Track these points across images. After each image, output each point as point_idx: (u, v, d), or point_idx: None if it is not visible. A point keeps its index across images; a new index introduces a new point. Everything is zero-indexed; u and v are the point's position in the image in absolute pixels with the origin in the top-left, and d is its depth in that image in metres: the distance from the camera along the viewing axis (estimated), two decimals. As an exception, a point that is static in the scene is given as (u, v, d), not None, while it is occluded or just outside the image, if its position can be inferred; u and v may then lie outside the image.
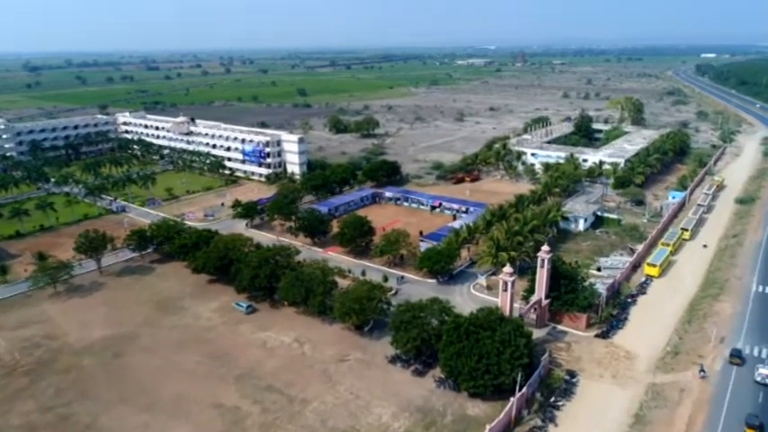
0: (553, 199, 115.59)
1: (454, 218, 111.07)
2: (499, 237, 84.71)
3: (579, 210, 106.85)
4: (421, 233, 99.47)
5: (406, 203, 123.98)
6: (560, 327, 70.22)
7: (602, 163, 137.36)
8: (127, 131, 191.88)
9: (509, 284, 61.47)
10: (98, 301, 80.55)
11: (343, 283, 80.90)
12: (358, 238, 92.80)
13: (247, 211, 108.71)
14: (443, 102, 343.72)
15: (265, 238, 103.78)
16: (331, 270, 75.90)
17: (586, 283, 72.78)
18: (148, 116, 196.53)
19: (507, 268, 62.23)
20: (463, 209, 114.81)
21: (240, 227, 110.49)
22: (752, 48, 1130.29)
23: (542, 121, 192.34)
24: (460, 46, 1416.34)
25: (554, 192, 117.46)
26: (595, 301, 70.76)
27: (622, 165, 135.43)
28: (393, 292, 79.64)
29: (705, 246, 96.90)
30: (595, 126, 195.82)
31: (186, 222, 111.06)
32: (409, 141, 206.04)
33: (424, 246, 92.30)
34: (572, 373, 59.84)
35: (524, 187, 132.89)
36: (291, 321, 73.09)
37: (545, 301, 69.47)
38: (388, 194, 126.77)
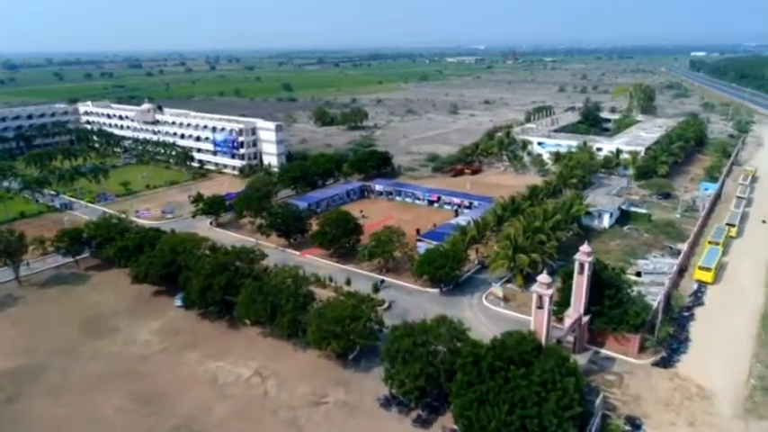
0: (570, 191, 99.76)
1: (456, 213, 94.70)
2: (516, 235, 68.32)
3: (603, 203, 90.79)
4: (418, 231, 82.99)
5: (398, 198, 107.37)
6: (604, 351, 53.91)
7: (619, 152, 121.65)
8: (89, 122, 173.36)
9: (546, 300, 44.84)
10: (8, 321, 62.91)
11: (322, 293, 64.25)
12: (342, 237, 76.05)
13: (211, 206, 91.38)
14: (435, 96, 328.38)
15: (232, 238, 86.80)
16: (305, 279, 58.96)
17: (633, 293, 56.70)
18: (113, 105, 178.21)
19: (543, 277, 45.53)
20: (466, 203, 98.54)
21: (203, 225, 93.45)
22: (739, 47, 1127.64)
23: (545, 110, 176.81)
24: (449, 47, 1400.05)
25: (570, 183, 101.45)
26: (648, 316, 54.48)
27: (642, 154, 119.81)
28: (386, 305, 62.97)
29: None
30: (603, 115, 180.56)
31: (138, 220, 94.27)
32: (400, 133, 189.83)
33: (422, 247, 75.78)
34: (634, 421, 43.47)
35: (531, 179, 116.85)
36: (253, 347, 56.09)
37: (585, 319, 53.14)
38: (378, 188, 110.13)
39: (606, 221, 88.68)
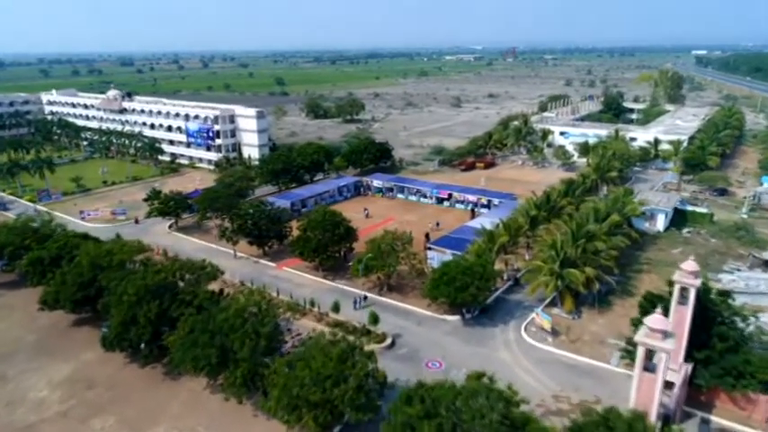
0: (610, 187, 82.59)
1: (473, 214, 77.13)
2: (564, 242, 50.70)
3: (656, 201, 73.23)
4: (427, 237, 65.37)
5: (401, 195, 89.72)
6: (714, 418, 36.22)
7: (657, 141, 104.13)
8: (52, 112, 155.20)
9: (663, 359, 26.99)
10: None
11: (302, 324, 46.78)
12: (329, 244, 58.23)
13: (168, 206, 73.43)
14: (435, 90, 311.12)
15: (195, 245, 69.67)
16: (273, 308, 40.92)
17: (751, 327, 39.17)
18: (79, 94, 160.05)
19: (657, 320, 27.44)
20: (483, 201, 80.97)
21: (160, 229, 75.94)
22: (738, 46, 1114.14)
23: (562, 99, 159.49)
24: (446, 47, 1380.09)
25: (608, 177, 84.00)
26: (780, 365, 36.80)
27: (685, 144, 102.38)
28: (388, 341, 45.31)
29: None
30: (626, 105, 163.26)
31: (83, 222, 76.99)
32: (400, 126, 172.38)
33: (434, 258, 58.19)
34: None
35: (555, 174, 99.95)
36: (195, 409, 38.24)
37: (687, 369, 35.47)
38: (376, 184, 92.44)
39: (661, 223, 71.36)
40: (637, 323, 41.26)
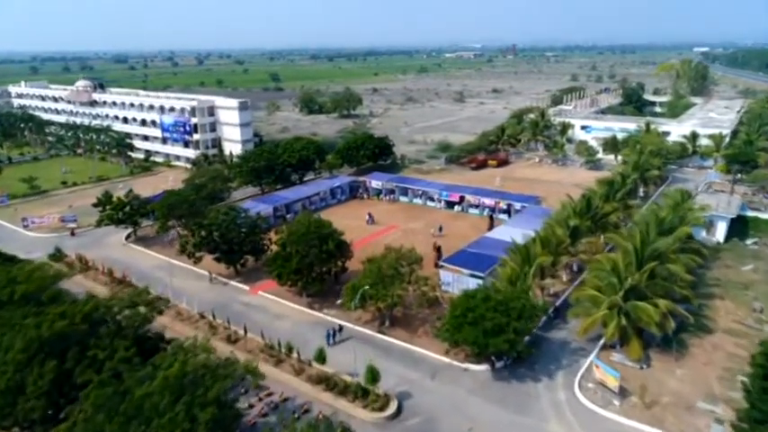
0: (648, 188, 70.15)
1: (491, 221, 64.19)
2: (627, 264, 37.93)
3: (715, 205, 60.45)
4: (439, 252, 52.40)
5: (404, 198, 76.83)
6: None
7: (695, 136, 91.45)
8: (21, 106, 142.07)
9: None
10: None
11: (276, 378, 34.32)
12: (316, 264, 45.36)
13: (122, 211, 60.46)
14: (436, 86, 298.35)
15: (154, 261, 56.83)
16: (231, 367, 27.95)
17: None
18: (51, 86, 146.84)
19: None
20: (502, 205, 68.14)
21: (116, 241, 63.12)
22: (737, 44, 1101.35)
23: (577, 92, 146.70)
24: (445, 45, 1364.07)
25: (649, 177, 71.43)
26: None
27: (728, 138, 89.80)
28: (392, 409, 32.52)
29: None
30: (647, 97, 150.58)
31: (26, 231, 64.78)
32: (401, 121, 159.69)
33: (449, 281, 45.49)
34: None
35: (578, 173, 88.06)
36: None
37: None
38: (374, 184, 79.55)
39: (721, 233, 58.73)
40: (756, 388, 28.68)
